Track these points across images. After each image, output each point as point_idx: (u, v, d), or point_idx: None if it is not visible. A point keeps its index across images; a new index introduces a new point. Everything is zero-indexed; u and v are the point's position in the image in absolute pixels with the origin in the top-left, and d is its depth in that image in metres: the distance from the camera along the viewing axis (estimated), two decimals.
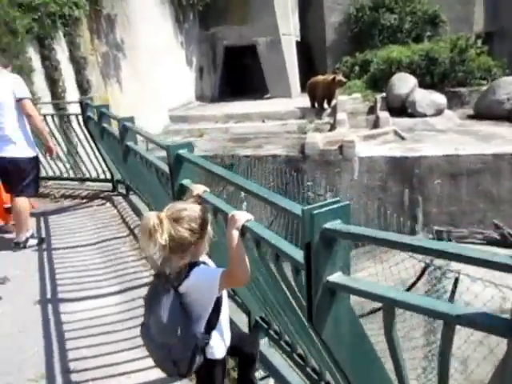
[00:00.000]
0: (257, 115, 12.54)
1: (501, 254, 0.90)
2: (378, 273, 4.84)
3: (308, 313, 1.18)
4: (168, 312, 1.57)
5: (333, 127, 10.64)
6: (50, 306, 3.38)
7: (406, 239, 0.99)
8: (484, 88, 11.86)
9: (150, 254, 1.58)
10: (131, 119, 3.21)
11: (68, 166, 6.01)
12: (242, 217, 1.58)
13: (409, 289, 3.78)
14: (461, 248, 0.91)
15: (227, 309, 1.78)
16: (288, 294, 1.52)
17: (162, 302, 1.58)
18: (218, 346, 1.74)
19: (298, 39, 16.19)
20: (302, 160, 9.29)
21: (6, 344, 2.93)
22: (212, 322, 1.68)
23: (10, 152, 4.09)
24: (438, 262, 3.50)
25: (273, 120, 12.25)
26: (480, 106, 11.30)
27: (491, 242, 7.48)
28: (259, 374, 2.39)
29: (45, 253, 4.26)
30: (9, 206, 4.50)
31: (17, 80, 4.12)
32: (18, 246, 4.29)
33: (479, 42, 14.20)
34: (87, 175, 5.96)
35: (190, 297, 1.62)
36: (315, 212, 1.09)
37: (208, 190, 1.97)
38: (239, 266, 1.56)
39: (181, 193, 2.10)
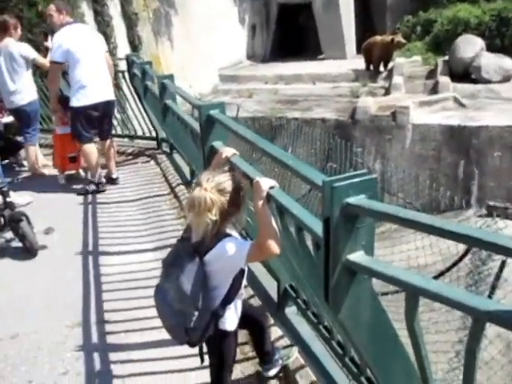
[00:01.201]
0: (308, 76, 12.13)
1: None
2: (424, 246, 4.62)
3: (324, 291, 1.10)
4: (191, 279, 1.52)
5: (387, 91, 10.10)
6: (90, 258, 3.52)
7: (437, 223, 0.87)
8: None
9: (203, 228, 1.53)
10: (171, 77, 3.15)
11: (115, 122, 6.11)
12: (266, 184, 1.49)
13: (449, 268, 3.56)
14: (499, 237, 0.78)
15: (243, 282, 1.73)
16: (311, 267, 1.44)
17: (185, 269, 1.54)
18: (232, 318, 1.71)
19: None
20: (352, 125, 8.94)
21: (48, 292, 3.09)
22: (231, 295, 1.64)
23: (112, 95, 4.58)
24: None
25: (324, 82, 11.81)
26: None
27: None
28: (285, 341, 2.37)
29: (89, 206, 4.41)
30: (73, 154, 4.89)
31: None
32: (115, 181, 4.90)
33: None
34: (133, 132, 6.05)
35: (215, 266, 1.57)
36: (336, 185, 0.98)
37: (237, 153, 1.88)
38: (268, 237, 1.50)
39: (211, 155, 2.03)
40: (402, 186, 7.81)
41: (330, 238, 1.04)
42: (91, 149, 4.54)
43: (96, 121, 4.49)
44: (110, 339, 2.63)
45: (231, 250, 1.54)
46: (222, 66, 13.03)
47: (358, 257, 1.04)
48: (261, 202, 1.49)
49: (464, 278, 3.42)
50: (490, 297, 2.78)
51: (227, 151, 1.89)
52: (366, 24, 15.83)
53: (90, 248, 3.67)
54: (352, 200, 1.00)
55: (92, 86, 4.30)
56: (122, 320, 2.77)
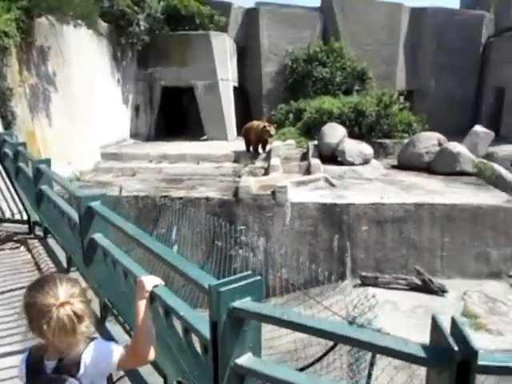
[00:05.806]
0: (192, 156, 12.48)
1: (412, 342, 0.86)
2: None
3: None
4: None
5: (267, 172, 10.81)
6: None
7: (322, 325, 0.93)
8: (406, 141, 12.72)
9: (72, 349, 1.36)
10: (47, 161, 2.99)
11: None
12: (150, 282, 1.44)
13: (323, 356, 3.66)
14: (373, 336, 0.86)
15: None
16: (199, 367, 1.40)
17: None
18: None
19: (236, 85, 16.60)
20: (235, 204, 9.26)
21: None
22: None
23: None
24: (363, 319, 3.49)
25: (208, 162, 12.24)
26: (402, 157, 12.07)
27: (414, 288, 7.79)
28: None
29: None
30: None
31: None
32: None
33: (402, 98, 15.39)
34: (1, 215, 5.49)
35: (89, 378, 1.39)
36: (222, 289, 1.00)
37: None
38: (143, 343, 1.39)
39: (91, 247, 1.93)
40: (284, 261, 8.15)
41: (217, 341, 1.04)
42: None
43: None
44: None
45: (99, 357, 1.39)
46: (105, 143, 12.80)
47: (246, 360, 1.05)
48: (142, 303, 1.41)
49: (346, 355, 3.58)
50: (369, 374, 2.95)
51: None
52: (245, 109, 17.16)
53: None
54: (237, 304, 1.02)
55: None
56: None
